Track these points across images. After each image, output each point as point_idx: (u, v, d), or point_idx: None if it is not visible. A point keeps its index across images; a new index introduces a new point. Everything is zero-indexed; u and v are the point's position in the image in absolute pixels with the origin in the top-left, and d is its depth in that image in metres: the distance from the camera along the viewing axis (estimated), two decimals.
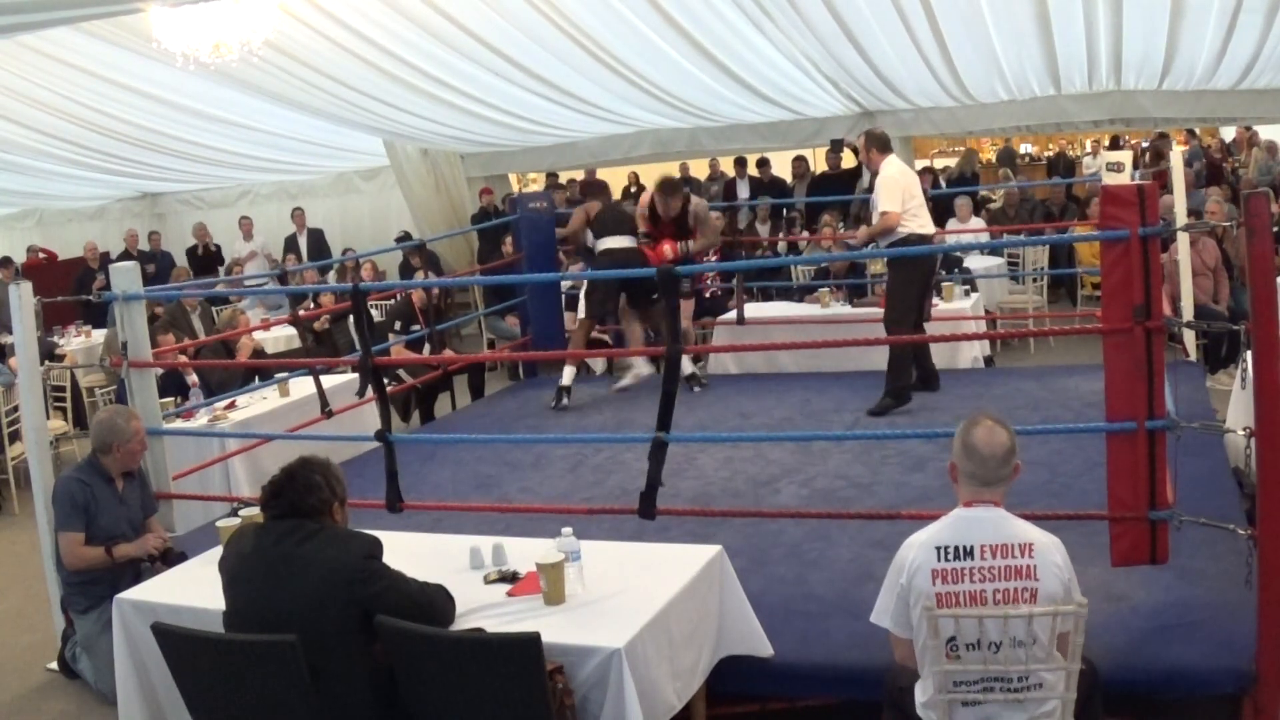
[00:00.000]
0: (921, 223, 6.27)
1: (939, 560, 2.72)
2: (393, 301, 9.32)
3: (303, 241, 12.58)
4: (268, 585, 2.87)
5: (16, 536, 6.69)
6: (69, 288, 11.47)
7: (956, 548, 2.72)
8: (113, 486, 4.34)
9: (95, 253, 12.62)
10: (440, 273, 10.92)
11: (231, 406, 6.45)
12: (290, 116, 10.29)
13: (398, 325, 7.92)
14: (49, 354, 8.60)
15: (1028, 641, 2.62)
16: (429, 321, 7.74)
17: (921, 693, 2.79)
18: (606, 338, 8.41)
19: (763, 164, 12.44)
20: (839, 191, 10.46)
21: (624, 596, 3.14)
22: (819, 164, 12.77)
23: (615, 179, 14.74)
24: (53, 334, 9.93)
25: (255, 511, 3.38)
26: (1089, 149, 16.27)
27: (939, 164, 16.39)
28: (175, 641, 3.00)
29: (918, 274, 6.28)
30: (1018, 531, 2.74)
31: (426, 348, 7.71)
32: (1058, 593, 2.67)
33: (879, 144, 6.40)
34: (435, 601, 3.03)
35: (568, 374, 7.30)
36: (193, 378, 7.02)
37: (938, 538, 2.75)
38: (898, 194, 6.16)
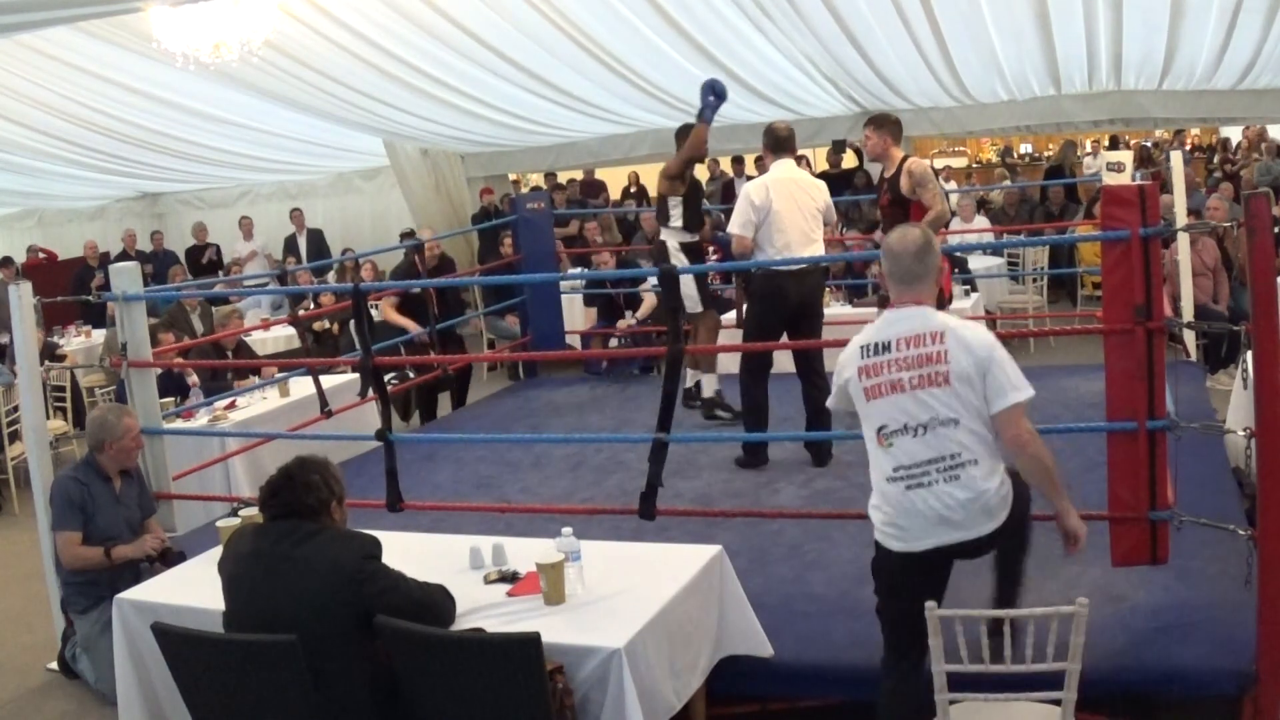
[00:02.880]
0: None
1: (862, 358, 3.00)
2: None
3: (302, 242, 12.58)
4: (267, 586, 2.87)
5: (17, 536, 6.69)
6: (69, 287, 11.46)
7: (876, 344, 2.98)
8: (110, 486, 4.34)
9: (95, 251, 12.62)
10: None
11: (231, 406, 6.45)
12: (290, 116, 10.29)
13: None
14: (50, 354, 8.60)
15: (950, 421, 2.86)
16: (431, 320, 7.74)
17: (875, 492, 3.05)
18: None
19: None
20: (839, 191, 10.45)
21: (624, 596, 3.14)
22: (819, 164, 12.78)
23: (615, 179, 14.75)
24: (53, 334, 9.93)
25: (255, 511, 3.38)
26: (1089, 149, 16.25)
27: (939, 164, 16.38)
28: (175, 641, 3.00)
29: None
30: (933, 322, 2.95)
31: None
32: (969, 369, 2.88)
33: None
34: (436, 601, 3.03)
35: (709, 383, 6.44)
36: (193, 378, 7.02)
37: (864, 338, 3.03)
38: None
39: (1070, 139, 14.55)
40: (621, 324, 8.78)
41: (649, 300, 8.85)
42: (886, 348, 2.95)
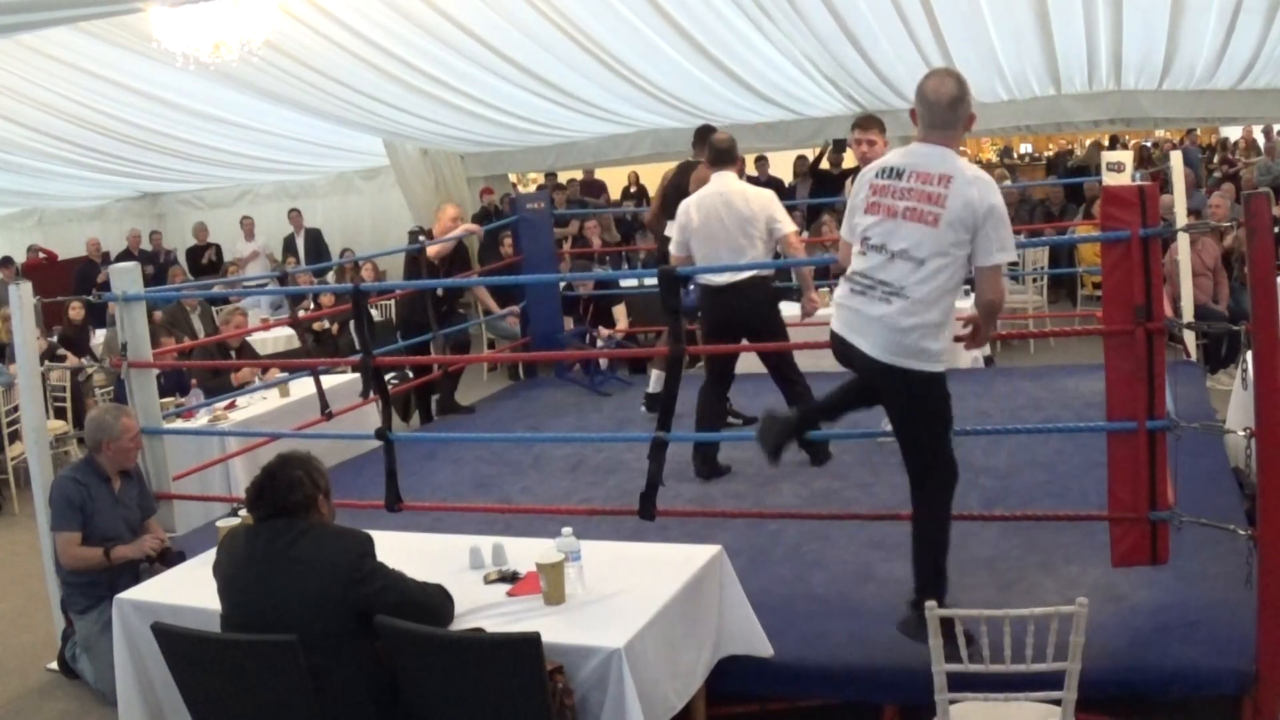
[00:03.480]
0: None
1: (877, 177, 3.27)
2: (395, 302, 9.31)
3: (300, 242, 12.59)
4: (263, 589, 2.87)
5: (17, 536, 6.69)
6: (70, 287, 11.46)
7: (893, 169, 3.24)
8: (109, 486, 4.34)
9: (98, 249, 12.62)
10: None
11: (231, 406, 6.46)
12: (290, 116, 10.28)
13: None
14: (51, 354, 8.61)
15: (917, 260, 3.13)
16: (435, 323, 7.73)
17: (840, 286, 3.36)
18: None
19: (761, 161, 12.44)
20: (839, 191, 10.45)
21: (624, 596, 3.14)
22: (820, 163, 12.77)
23: (615, 179, 14.75)
24: (53, 334, 9.92)
25: None
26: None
27: None
28: (175, 641, 3.00)
29: None
30: (947, 166, 3.16)
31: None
32: (963, 218, 3.10)
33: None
34: (434, 600, 3.03)
35: (656, 380, 6.33)
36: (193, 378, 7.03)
37: (884, 161, 3.30)
38: None
39: (1096, 140, 14.53)
40: (603, 335, 8.74)
41: (620, 319, 8.82)
42: (900, 174, 3.22)
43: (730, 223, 5.21)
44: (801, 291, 5.78)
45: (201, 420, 6.17)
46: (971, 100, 3.25)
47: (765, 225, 5.23)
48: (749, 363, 7.64)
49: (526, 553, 3.42)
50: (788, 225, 5.28)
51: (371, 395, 5.34)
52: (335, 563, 2.85)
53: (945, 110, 3.19)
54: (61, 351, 9.32)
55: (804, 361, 6.00)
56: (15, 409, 7.04)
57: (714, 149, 5.44)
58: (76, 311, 9.53)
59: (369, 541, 2.96)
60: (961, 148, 3.53)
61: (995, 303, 3.34)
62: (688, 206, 5.36)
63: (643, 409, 6.72)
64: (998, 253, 3.16)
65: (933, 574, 3.32)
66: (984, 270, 3.22)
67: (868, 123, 5.30)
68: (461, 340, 7.70)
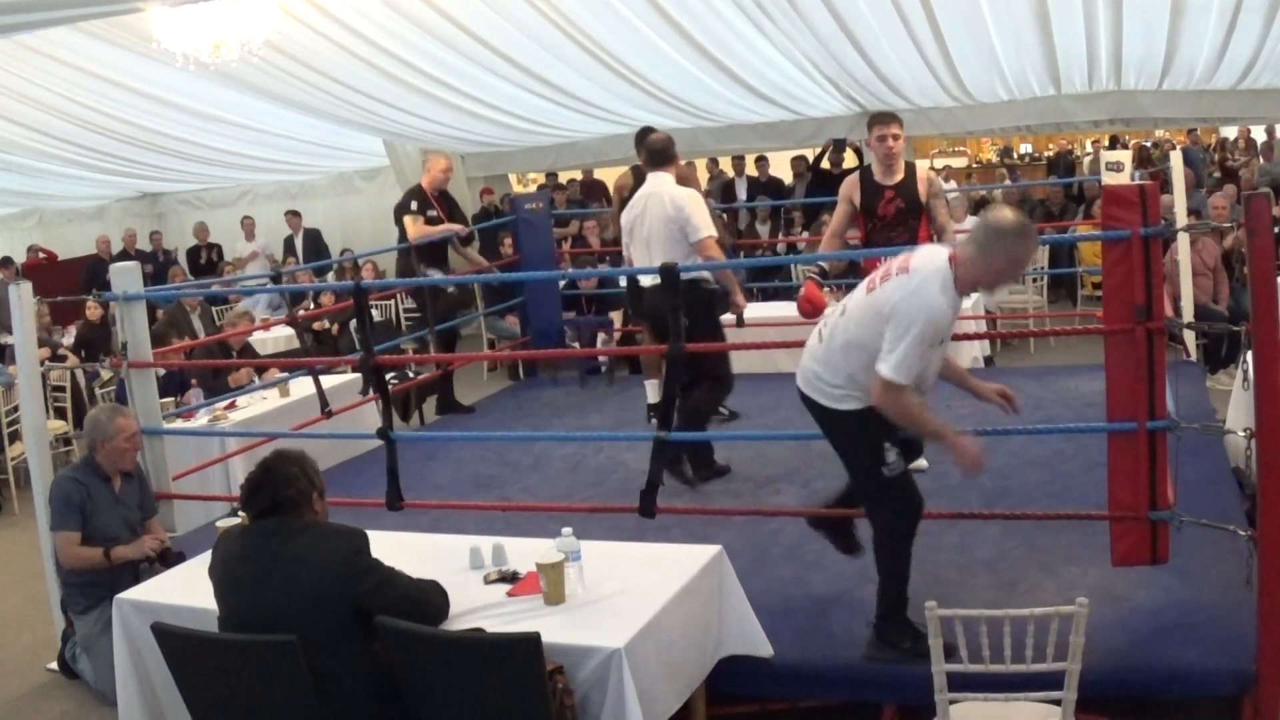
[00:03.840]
0: None
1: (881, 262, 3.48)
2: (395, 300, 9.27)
3: (299, 243, 12.58)
4: (259, 589, 2.87)
5: (16, 536, 6.69)
6: (74, 284, 11.43)
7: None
8: (109, 485, 4.34)
9: (108, 247, 12.62)
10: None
11: (231, 406, 6.45)
12: (290, 116, 10.28)
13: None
14: (52, 355, 8.60)
15: (849, 323, 3.26)
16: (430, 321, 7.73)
17: None
18: None
19: (761, 161, 12.45)
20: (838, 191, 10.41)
21: (624, 596, 3.14)
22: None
23: (615, 179, 14.72)
24: (53, 333, 9.92)
25: None
26: (1089, 149, 16.25)
27: (939, 164, 16.38)
28: (175, 641, 3.00)
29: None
30: (912, 260, 3.23)
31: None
32: (880, 311, 3.16)
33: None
34: (429, 597, 3.03)
35: (652, 389, 6.18)
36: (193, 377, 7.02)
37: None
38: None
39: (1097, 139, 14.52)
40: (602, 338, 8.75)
41: (617, 319, 8.82)
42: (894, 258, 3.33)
43: (657, 225, 5.21)
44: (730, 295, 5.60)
45: (201, 420, 6.17)
46: (1012, 254, 3.12)
47: (685, 229, 5.17)
48: (749, 363, 7.66)
49: (526, 553, 3.42)
50: (704, 231, 5.15)
51: (372, 394, 5.34)
52: (330, 560, 2.86)
53: (981, 231, 3.15)
54: (62, 351, 9.31)
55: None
56: (15, 409, 7.03)
57: (648, 150, 5.42)
58: (94, 311, 9.42)
59: (364, 538, 2.96)
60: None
61: (892, 413, 3.23)
62: (627, 209, 5.42)
63: (652, 422, 6.64)
64: (881, 363, 3.14)
65: (894, 599, 3.41)
66: (876, 376, 3.23)
67: (888, 117, 5.08)
68: (449, 338, 7.69)
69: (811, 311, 4.68)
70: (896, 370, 3.07)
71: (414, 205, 7.26)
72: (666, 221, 5.19)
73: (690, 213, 5.16)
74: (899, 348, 3.06)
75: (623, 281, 6.31)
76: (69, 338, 10.17)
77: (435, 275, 7.30)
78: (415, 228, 7.19)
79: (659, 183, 5.31)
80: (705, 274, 5.25)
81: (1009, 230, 3.05)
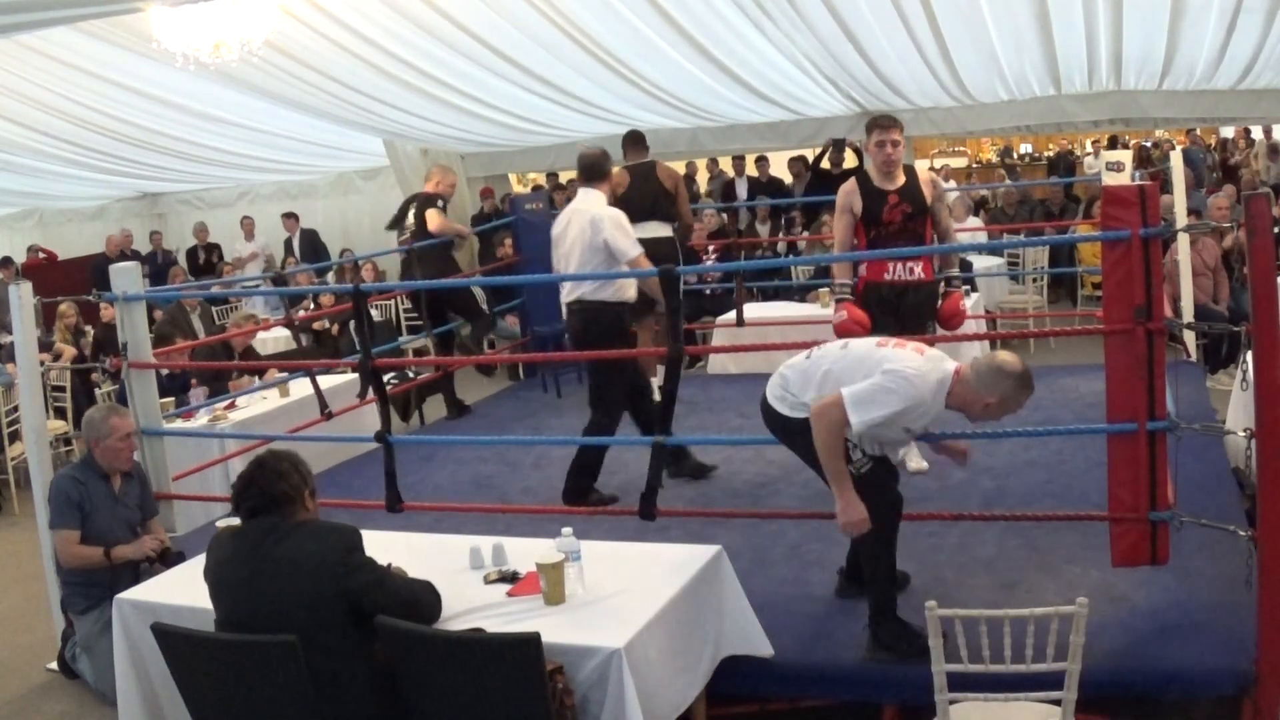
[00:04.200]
0: None
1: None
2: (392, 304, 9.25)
3: (296, 243, 12.59)
4: (254, 590, 2.87)
5: (16, 536, 6.69)
6: (74, 284, 11.41)
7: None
8: (108, 485, 4.34)
9: (116, 246, 12.61)
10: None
11: (231, 407, 6.45)
12: (290, 116, 10.28)
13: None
14: (50, 354, 8.60)
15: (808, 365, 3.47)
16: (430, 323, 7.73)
17: None
18: None
19: (761, 161, 12.45)
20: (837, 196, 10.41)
21: (624, 596, 3.15)
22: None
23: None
24: (53, 333, 9.91)
25: None
26: (1089, 149, 16.26)
27: (939, 164, 16.39)
28: (175, 641, 3.00)
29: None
30: (871, 346, 3.46)
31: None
32: (819, 375, 3.43)
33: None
34: (421, 597, 3.04)
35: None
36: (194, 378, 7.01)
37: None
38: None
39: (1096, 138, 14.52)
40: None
41: None
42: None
43: (576, 245, 5.16)
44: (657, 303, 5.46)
45: (201, 420, 6.17)
46: (1007, 395, 3.28)
47: (608, 246, 5.09)
48: (749, 363, 7.67)
49: (526, 553, 3.42)
50: (630, 252, 5.08)
51: (370, 396, 5.33)
52: (323, 558, 2.86)
53: (985, 367, 3.28)
54: (59, 348, 9.31)
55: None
56: (15, 409, 7.03)
57: (579, 166, 5.34)
58: (109, 312, 9.33)
59: (356, 535, 2.96)
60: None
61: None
62: (556, 220, 5.36)
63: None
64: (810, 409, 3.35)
65: (879, 600, 3.45)
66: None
67: (889, 122, 4.89)
68: (448, 340, 7.72)
69: (861, 333, 4.56)
70: (856, 404, 3.20)
71: (441, 203, 7.70)
72: (586, 244, 5.12)
73: (609, 237, 5.07)
74: (875, 397, 3.20)
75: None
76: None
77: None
78: (439, 220, 7.51)
79: (587, 200, 5.23)
80: (619, 293, 5.16)
81: (1012, 375, 3.22)
